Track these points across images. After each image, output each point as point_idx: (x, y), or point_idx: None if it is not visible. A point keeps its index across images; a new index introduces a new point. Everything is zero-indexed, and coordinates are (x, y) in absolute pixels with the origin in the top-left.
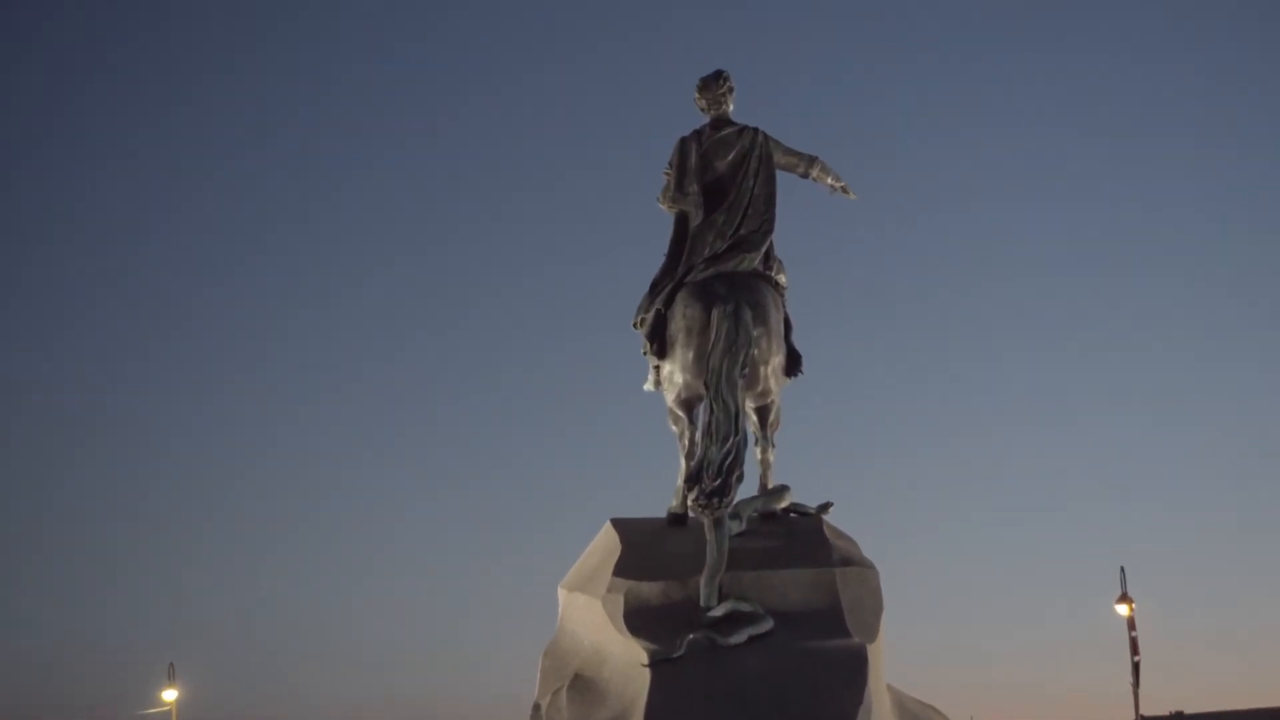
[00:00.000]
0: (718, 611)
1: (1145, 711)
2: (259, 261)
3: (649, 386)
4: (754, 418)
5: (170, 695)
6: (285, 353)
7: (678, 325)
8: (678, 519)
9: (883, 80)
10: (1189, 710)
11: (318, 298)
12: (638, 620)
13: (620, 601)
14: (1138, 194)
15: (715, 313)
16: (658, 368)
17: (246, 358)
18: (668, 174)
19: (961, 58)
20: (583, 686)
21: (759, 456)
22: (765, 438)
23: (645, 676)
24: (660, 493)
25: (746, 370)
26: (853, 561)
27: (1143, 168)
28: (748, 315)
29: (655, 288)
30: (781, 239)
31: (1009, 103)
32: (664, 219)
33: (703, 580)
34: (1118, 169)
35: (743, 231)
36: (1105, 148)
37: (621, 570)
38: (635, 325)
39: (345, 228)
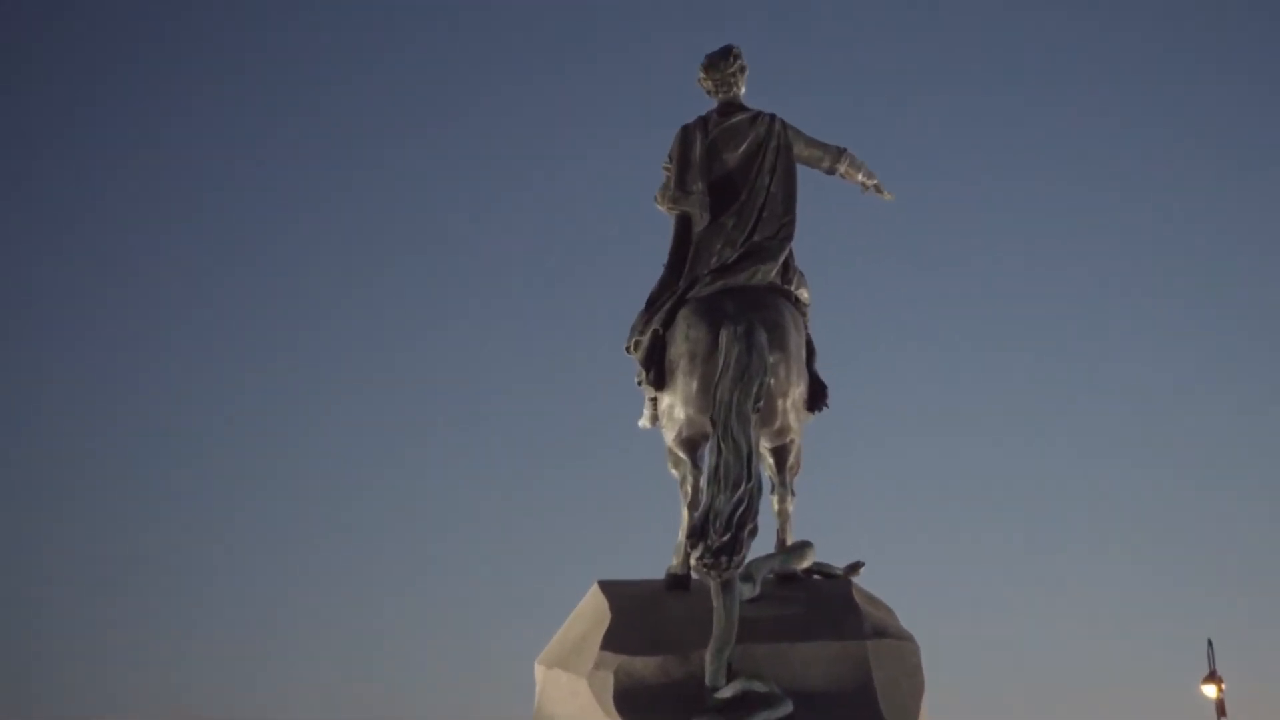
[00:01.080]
0: (726, 692)
1: None
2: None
3: (644, 423)
4: (770, 460)
5: None
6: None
7: (679, 349)
8: (679, 581)
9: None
10: None
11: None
12: (630, 702)
13: (609, 680)
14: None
15: (724, 334)
16: (655, 400)
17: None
18: (667, 169)
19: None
20: None
21: (775, 507)
22: (783, 484)
23: None
24: (658, 549)
25: (761, 403)
26: (888, 633)
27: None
28: (762, 338)
29: (652, 305)
30: (803, 246)
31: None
32: (663, 222)
33: (708, 655)
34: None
35: (757, 238)
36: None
37: (611, 642)
38: (628, 349)
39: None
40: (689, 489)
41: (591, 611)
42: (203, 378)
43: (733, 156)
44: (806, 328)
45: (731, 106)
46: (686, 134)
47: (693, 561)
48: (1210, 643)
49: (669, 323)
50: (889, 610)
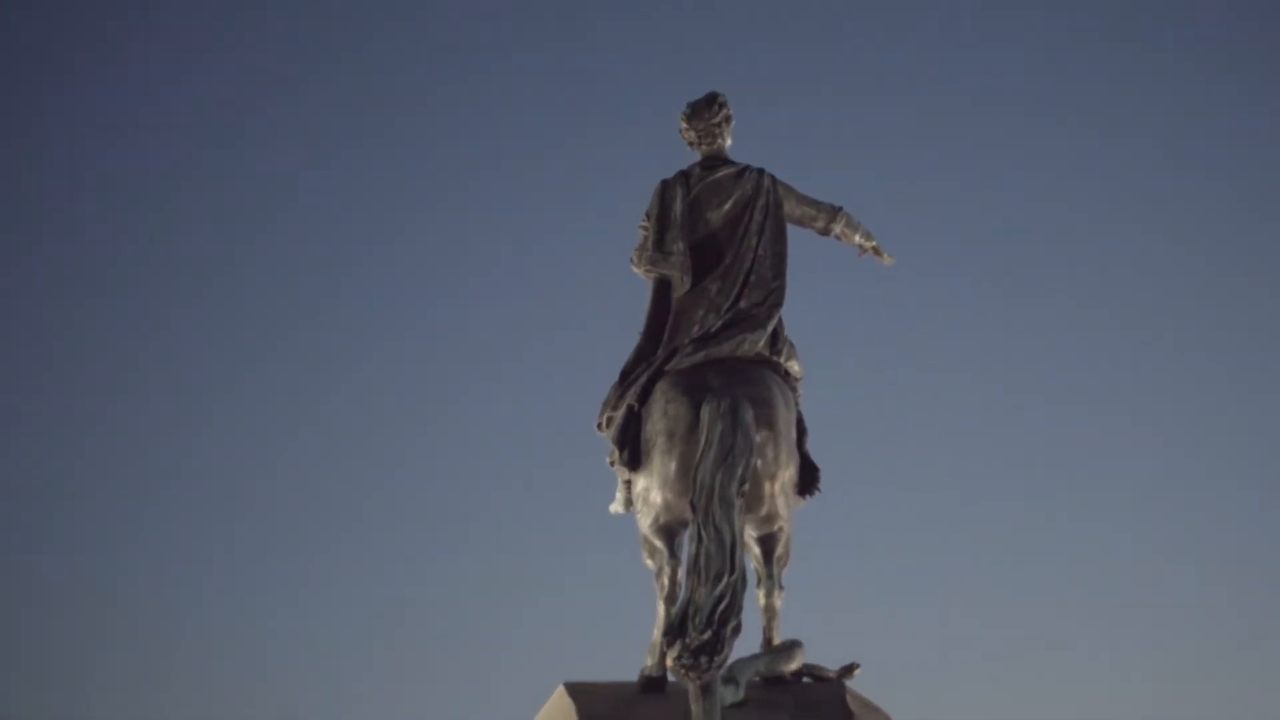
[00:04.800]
0: None
1: None
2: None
3: (617, 508)
4: (756, 550)
5: None
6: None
7: (656, 427)
8: (654, 683)
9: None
10: None
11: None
12: None
13: None
14: None
15: (706, 411)
16: (629, 483)
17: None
18: (644, 228)
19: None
20: None
21: (762, 601)
22: (770, 576)
23: None
24: (631, 648)
25: (746, 487)
26: None
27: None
28: (748, 415)
29: (626, 377)
30: (794, 314)
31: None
32: (639, 286)
33: None
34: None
35: (743, 304)
36: None
37: None
38: (600, 427)
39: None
40: (666, 581)
41: (557, 718)
42: (196, 378)
43: (717, 215)
44: (798, 404)
45: (716, 160)
46: (666, 190)
47: (670, 662)
48: None
49: (645, 397)
50: (886, 717)
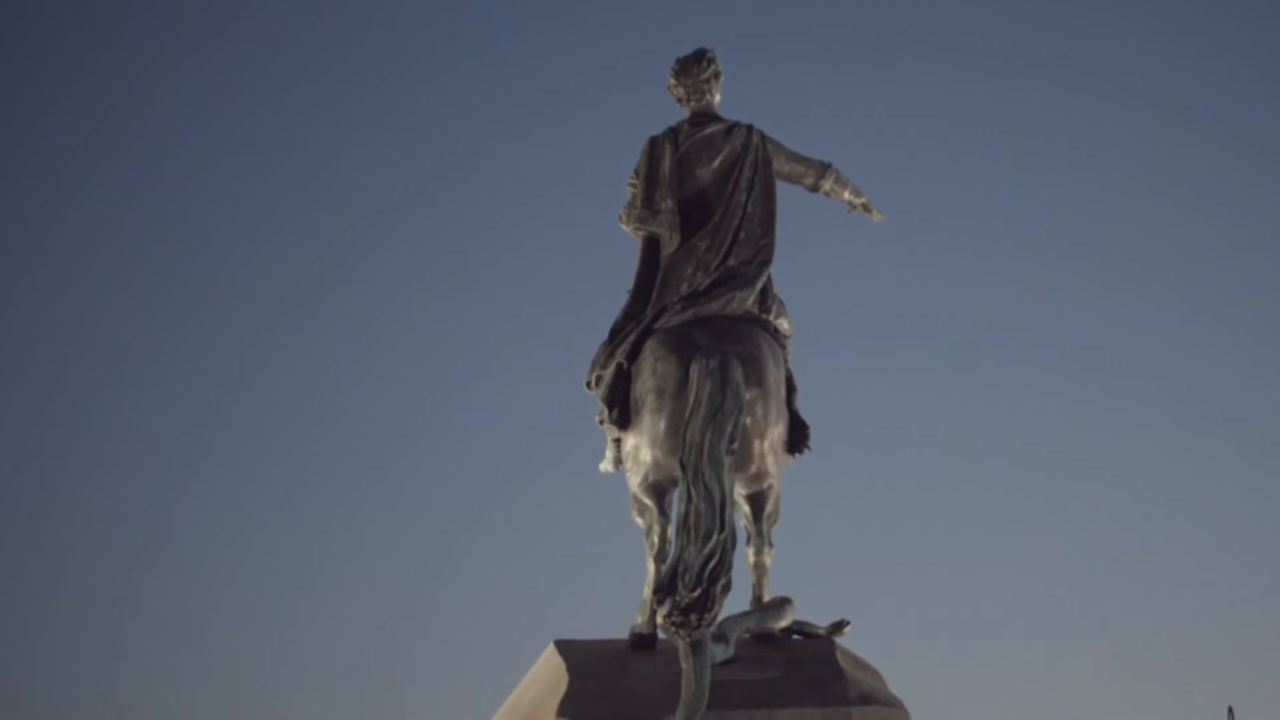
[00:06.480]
0: None
1: None
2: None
3: (606, 466)
4: (745, 508)
5: None
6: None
7: (645, 385)
8: (644, 641)
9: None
10: None
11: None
12: None
13: None
14: None
15: (695, 369)
16: (618, 441)
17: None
18: (633, 185)
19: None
20: None
21: (751, 559)
22: (760, 534)
23: None
24: (621, 606)
25: (736, 445)
26: (874, 699)
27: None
28: (738, 373)
29: (616, 335)
30: (783, 271)
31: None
32: (628, 244)
33: None
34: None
35: (732, 262)
36: None
37: (568, 709)
38: (589, 385)
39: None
40: (656, 539)
41: (546, 674)
42: (186, 376)
43: (706, 172)
44: (787, 361)
45: (704, 116)
46: (655, 146)
47: (659, 619)
48: (1231, 711)
49: (634, 355)
50: (876, 673)
